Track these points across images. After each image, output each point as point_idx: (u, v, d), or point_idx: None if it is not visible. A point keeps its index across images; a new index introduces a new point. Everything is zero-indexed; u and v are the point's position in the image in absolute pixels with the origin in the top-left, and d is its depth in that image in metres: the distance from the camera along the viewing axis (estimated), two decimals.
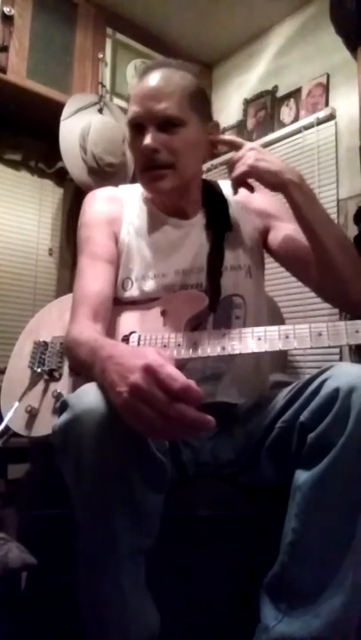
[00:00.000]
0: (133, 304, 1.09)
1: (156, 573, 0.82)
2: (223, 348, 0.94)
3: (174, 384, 0.65)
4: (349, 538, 0.77)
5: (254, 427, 0.96)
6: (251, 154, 1.00)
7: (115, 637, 0.78)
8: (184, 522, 0.96)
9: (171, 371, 0.66)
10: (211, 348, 0.95)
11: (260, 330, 0.94)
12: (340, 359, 1.93)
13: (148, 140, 1.01)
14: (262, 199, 1.20)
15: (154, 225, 1.13)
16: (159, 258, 1.10)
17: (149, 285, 1.08)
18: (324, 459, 0.78)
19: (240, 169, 1.00)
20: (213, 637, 0.95)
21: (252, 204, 1.19)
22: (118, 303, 1.09)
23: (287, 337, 0.91)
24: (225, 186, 1.21)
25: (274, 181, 0.99)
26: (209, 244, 1.12)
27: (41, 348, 1.14)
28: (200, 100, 1.07)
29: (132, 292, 1.09)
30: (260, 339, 0.92)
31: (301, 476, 0.82)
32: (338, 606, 0.76)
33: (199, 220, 1.14)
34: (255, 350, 0.92)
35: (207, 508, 0.98)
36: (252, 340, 0.93)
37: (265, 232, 1.18)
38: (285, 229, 1.15)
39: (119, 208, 1.15)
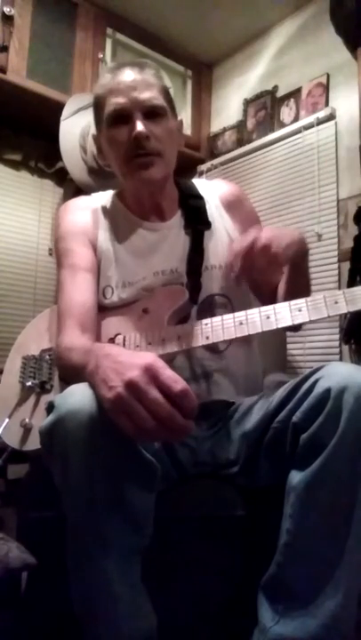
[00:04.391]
0: (116, 308, 1.09)
1: (154, 574, 0.82)
2: (207, 338, 0.94)
3: (176, 385, 0.66)
4: (344, 538, 0.77)
5: (251, 427, 0.96)
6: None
7: (107, 638, 0.78)
8: (182, 522, 0.96)
9: (172, 374, 0.67)
10: (195, 339, 0.94)
11: (241, 314, 0.93)
12: (340, 359, 1.93)
13: (140, 126, 1.02)
14: (251, 206, 1.24)
15: (131, 230, 1.13)
16: (138, 262, 1.10)
17: (130, 290, 1.09)
18: (317, 459, 0.78)
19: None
20: (211, 638, 0.95)
21: (242, 207, 1.20)
22: (101, 310, 1.09)
23: (268, 317, 0.91)
24: (201, 185, 1.22)
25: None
26: (189, 244, 1.11)
27: (30, 362, 1.13)
28: (169, 96, 1.10)
29: (113, 298, 1.09)
30: (241, 323, 0.92)
31: (295, 477, 0.82)
32: (334, 607, 0.76)
33: (177, 220, 1.14)
34: (238, 335, 0.92)
35: (205, 509, 0.98)
36: (234, 326, 0.93)
37: None
38: None
39: (94, 217, 1.15)
